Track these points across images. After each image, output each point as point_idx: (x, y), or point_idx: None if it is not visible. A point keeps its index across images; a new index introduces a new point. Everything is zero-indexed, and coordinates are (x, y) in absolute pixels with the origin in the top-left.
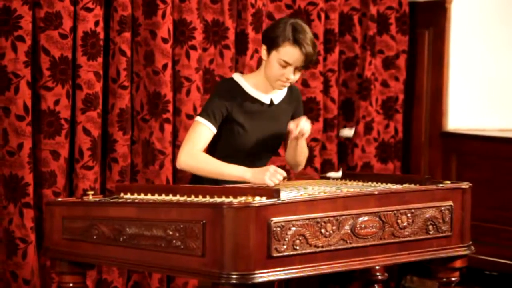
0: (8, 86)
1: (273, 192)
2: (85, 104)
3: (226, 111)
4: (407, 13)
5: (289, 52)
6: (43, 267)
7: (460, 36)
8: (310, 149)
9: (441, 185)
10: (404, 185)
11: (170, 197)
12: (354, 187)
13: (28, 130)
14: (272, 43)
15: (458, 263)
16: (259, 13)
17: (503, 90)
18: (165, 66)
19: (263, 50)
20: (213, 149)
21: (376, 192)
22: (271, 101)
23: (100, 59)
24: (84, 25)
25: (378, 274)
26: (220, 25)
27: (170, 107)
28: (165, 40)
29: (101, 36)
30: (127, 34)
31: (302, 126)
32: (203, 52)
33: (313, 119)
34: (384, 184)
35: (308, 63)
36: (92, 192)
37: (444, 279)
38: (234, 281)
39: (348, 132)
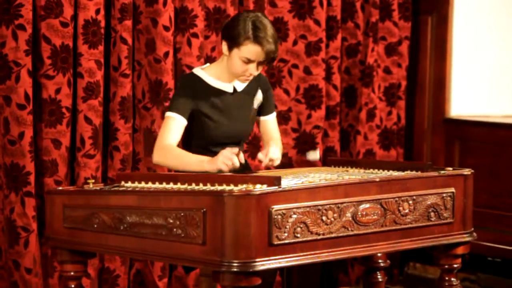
0: (9, 75)
1: (274, 180)
2: (86, 92)
3: (192, 104)
4: None
5: (251, 50)
6: (45, 255)
7: (463, 22)
8: (312, 137)
9: (442, 171)
10: (405, 172)
11: (171, 186)
12: (355, 174)
13: (29, 119)
14: (233, 41)
15: (460, 250)
16: (261, 0)
17: (506, 76)
18: (166, 54)
19: (224, 45)
20: (188, 145)
21: (377, 179)
22: (234, 88)
23: (101, 47)
24: (85, 13)
25: (380, 261)
26: (222, 12)
27: (172, 95)
28: (166, 28)
29: (102, 24)
30: (128, 22)
31: (271, 155)
32: (205, 40)
33: (316, 107)
34: (385, 171)
35: (271, 59)
36: (93, 181)
37: (446, 266)
38: (235, 269)
39: (313, 155)
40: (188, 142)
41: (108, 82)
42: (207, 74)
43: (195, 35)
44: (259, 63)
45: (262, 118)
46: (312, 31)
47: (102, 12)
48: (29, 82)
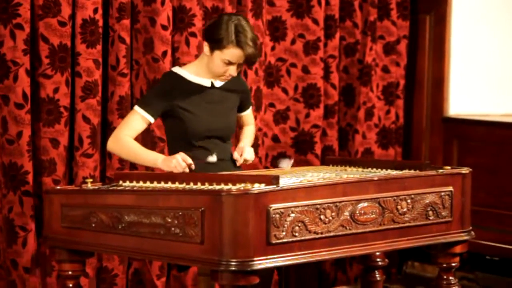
0: (7, 74)
1: (272, 179)
2: (84, 91)
3: (167, 103)
4: None
5: (233, 54)
6: (43, 255)
7: (461, 21)
8: (311, 136)
9: (441, 170)
10: (404, 171)
11: (169, 185)
12: (354, 173)
13: (27, 118)
14: (215, 44)
15: (458, 249)
16: None
17: (504, 75)
18: (164, 53)
19: (206, 46)
20: (173, 143)
21: (375, 178)
22: (212, 84)
23: (99, 47)
24: (83, 13)
25: (378, 260)
26: (220, 11)
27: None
28: (164, 27)
29: (100, 23)
30: (127, 21)
31: (246, 155)
32: (203, 39)
33: (314, 105)
34: (384, 170)
35: (251, 62)
36: (91, 180)
37: (444, 265)
38: (233, 268)
39: (287, 164)
40: (172, 140)
41: (106, 82)
42: (187, 71)
43: (193, 34)
44: (239, 65)
45: (242, 114)
46: (310, 30)
47: (100, 11)
48: (27, 81)
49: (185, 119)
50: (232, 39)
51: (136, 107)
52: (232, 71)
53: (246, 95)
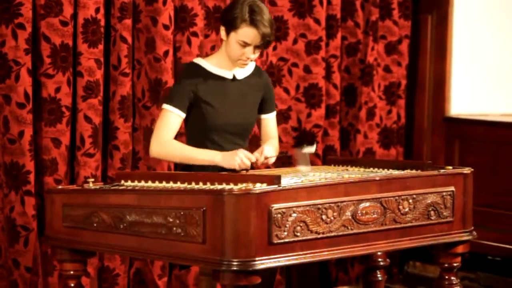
0: (9, 73)
1: (274, 179)
2: (86, 91)
3: (191, 93)
4: None
5: (247, 33)
6: (44, 254)
7: (463, 21)
8: (313, 135)
9: (442, 170)
10: (405, 170)
11: (171, 184)
12: (355, 173)
13: (29, 117)
14: (230, 25)
15: (460, 249)
16: None
17: (506, 75)
18: (166, 53)
19: (222, 31)
20: (190, 135)
21: (377, 178)
22: (234, 76)
23: (101, 46)
24: (84, 12)
25: (380, 260)
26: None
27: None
28: (166, 27)
29: (102, 23)
30: (128, 21)
31: (266, 154)
32: (205, 39)
33: (316, 105)
34: (385, 170)
35: (267, 43)
36: (93, 180)
37: (446, 265)
38: (235, 268)
39: (309, 149)
40: (190, 131)
41: (108, 81)
42: (209, 62)
43: (195, 34)
44: (256, 47)
45: (263, 116)
46: (312, 29)
47: (102, 11)
48: (29, 81)
49: (204, 111)
50: (246, 18)
51: (165, 105)
52: (249, 53)
53: (269, 93)
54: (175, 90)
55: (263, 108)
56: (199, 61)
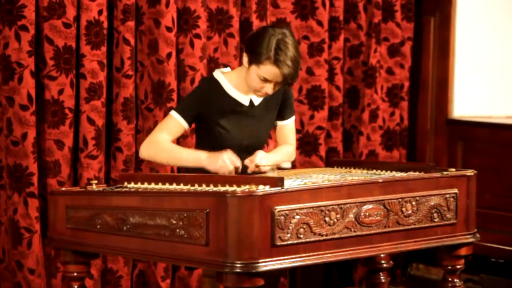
0: (12, 75)
1: (277, 181)
2: (89, 93)
3: (202, 109)
4: (412, 0)
5: (270, 71)
6: (48, 256)
7: (466, 23)
8: (315, 137)
9: (445, 172)
10: (408, 172)
11: (174, 186)
12: (358, 175)
13: (32, 119)
14: (253, 57)
15: (463, 251)
16: (264, 1)
17: (509, 77)
18: (169, 55)
19: (245, 57)
20: (201, 145)
21: (380, 180)
22: (251, 101)
23: (104, 48)
24: (87, 14)
25: (383, 262)
26: (224, 13)
27: (175, 96)
28: (169, 29)
29: (105, 25)
30: (131, 23)
31: (257, 162)
32: (208, 41)
33: (318, 107)
34: (388, 172)
35: (288, 83)
36: (96, 182)
37: (449, 267)
38: (238, 270)
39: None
40: (201, 141)
41: (111, 83)
42: (228, 80)
43: (197, 36)
44: (277, 83)
45: (279, 123)
46: (315, 32)
47: (104, 13)
48: (32, 83)
49: (217, 133)
50: (270, 55)
51: (172, 112)
52: (269, 89)
53: (285, 101)
54: (187, 101)
55: (280, 114)
56: (219, 76)
